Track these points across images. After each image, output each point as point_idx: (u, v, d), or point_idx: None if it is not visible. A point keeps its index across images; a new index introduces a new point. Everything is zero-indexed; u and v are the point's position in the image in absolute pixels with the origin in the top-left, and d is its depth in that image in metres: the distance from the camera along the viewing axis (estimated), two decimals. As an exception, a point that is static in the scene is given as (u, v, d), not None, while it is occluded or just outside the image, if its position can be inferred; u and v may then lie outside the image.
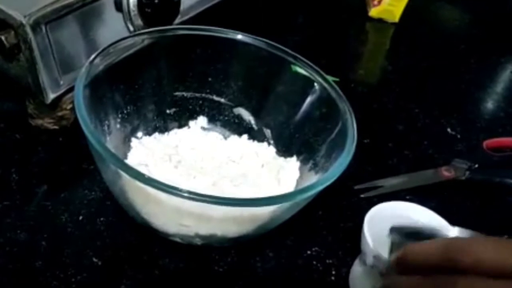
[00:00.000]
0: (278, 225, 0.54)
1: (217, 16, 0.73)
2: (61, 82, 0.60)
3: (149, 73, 0.61)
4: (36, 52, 0.56)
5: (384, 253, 0.49)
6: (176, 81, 0.64)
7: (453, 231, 0.50)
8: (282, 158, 0.63)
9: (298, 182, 0.60)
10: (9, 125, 0.66)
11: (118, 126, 0.60)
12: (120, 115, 0.60)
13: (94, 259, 0.54)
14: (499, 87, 0.93)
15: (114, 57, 0.57)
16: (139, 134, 0.63)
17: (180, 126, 0.66)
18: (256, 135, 0.66)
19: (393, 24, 1.04)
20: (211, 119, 0.67)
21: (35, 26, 0.54)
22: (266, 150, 0.64)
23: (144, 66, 0.60)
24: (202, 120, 0.66)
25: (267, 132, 0.66)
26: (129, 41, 0.58)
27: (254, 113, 0.66)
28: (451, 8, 1.14)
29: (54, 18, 0.56)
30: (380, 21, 1.03)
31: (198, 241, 0.53)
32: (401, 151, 0.74)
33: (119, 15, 0.63)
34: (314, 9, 1.04)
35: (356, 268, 0.55)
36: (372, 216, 0.52)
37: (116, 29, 0.63)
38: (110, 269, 0.54)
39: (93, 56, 0.54)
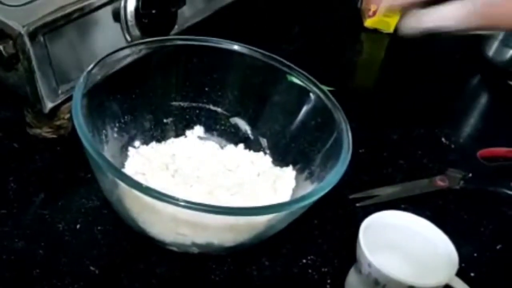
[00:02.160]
0: (274, 233, 0.55)
1: (214, 26, 0.74)
2: (59, 92, 0.60)
3: (146, 83, 0.62)
4: (34, 62, 0.56)
5: (379, 262, 0.49)
6: (173, 91, 0.65)
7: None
8: (278, 168, 0.64)
9: (294, 191, 0.60)
10: (7, 134, 0.66)
11: (115, 135, 0.60)
12: (117, 125, 0.60)
13: (91, 268, 0.54)
14: (493, 97, 0.93)
15: (111, 67, 0.57)
16: (136, 143, 0.63)
17: (177, 135, 0.66)
18: (252, 145, 0.66)
19: (388, 34, 1.04)
20: (208, 129, 0.67)
21: (33, 36, 0.55)
22: (262, 160, 0.64)
23: (141, 76, 0.61)
24: (198, 130, 0.67)
25: (263, 141, 0.66)
26: (127, 51, 0.59)
27: (250, 123, 0.66)
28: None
29: (52, 28, 0.56)
30: (375, 31, 1.04)
31: (195, 250, 0.54)
32: (395, 161, 0.74)
33: (117, 25, 0.64)
34: (309, 19, 1.05)
35: (352, 277, 0.55)
36: (368, 225, 0.52)
37: (113, 39, 0.64)
38: (107, 277, 0.54)
39: (91, 66, 0.54)
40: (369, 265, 0.49)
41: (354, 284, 0.54)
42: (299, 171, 0.61)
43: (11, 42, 0.55)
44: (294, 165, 0.62)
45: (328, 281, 0.57)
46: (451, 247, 0.52)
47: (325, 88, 0.60)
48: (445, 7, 0.45)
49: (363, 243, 0.50)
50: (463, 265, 0.52)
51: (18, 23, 0.54)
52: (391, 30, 1.04)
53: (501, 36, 0.96)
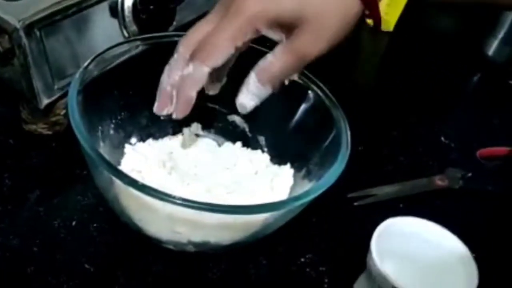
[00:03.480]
0: (271, 232, 0.54)
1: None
2: (55, 87, 0.60)
3: (143, 79, 0.61)
4: (30, 57, 0.56)
5: (392, 272, 0.48)
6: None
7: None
8: (276, 166, 0.63)
9: (291, 189, 0.60)
10: (2, 130, 0.66)
11: (111, 132, 0.60)
12: (114, 121, 0.60)
13: (87, 266, 0.54)
14: (493, 96, 0.93)
15: (108, 63, 0.57)
16: (133, 140, 0.63)
17: (174, 132, 0.66)
18: (250, 142, 0.66)
19: (388, 32, 1.04)
20: (205, 126, 0.67)
21: (29, 31, 0.54)
22: (260, 158, 0.64)
23: (138, 72, 0.60)
24: (196, 127, 0.66)
25: (261, 139, 0.66)
26: (124, 47, 0.59)
27: (248, 121, 0.66)
28: (446, 16, 1.14)
29: (48, 23, 0.56)
30: (375, 29, 1.04)
31: (191, 248, 0.53)
32: (394, 160, 0.74)
33: (114, 21, 0.63)
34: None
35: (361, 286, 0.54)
36: (381, 232, 0.51)
37: (110, 35, 0.63)
38: (102, 275, 0.54)
39: (87, 62, 0.54)
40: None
41: (361, 279, 0.54)
42: (297, 169, 0.61)
43: (7, 36, 0.55)
44: (292, 163, 0.62)
45: (326, 280, 0.57)
46: (471, 262, 0.51)
47: None
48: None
49: (375, 252, 0.49)
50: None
51: (14, 18, 0.54)
52: (390, 28, 1.03)
53: (501, 35, 0.95)
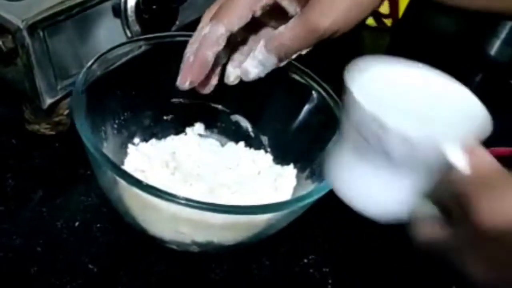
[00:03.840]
0: (274, 232, 0.54)
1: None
2: (58, 87, 0.60)
3: (146, 79, 0.61)
4: (33, 57, 0.55)
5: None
6: (173, 88, 0.64)
7: None
8: (279, 166, 0.63)
9: (295, 190, 0.60)
10: (5, 130, 0.65)
11: (115, 132, 0.60)
12: (117, 121, 0.60)
13: (90, 266, 0.54)
14: (495, 96, 0.93)
15: (111, 63, 0.57)
16: (136, 140, 0.63)
17: (177, 132, 0.66)
18: (253, 143, 0.66)
19: (389, 32, 1.04)
20: (208, 126, 0.67)
21: (33, 31, 0.54)
22: (263, 158, 0.64)
23: (141, 72, 0.60)
24: (199, 127, 0.66)
25: (264, 139, 0.65)
26: (127, 47, 0.58)
27: (252, 120, 0.66)
28: (448, 16, 1.14)
29: (51, 23, 0.56)
30: (376, 29, 1.04)
31: (195, 249, 0.53)
32: (397, 160, 0.74)
33: (117, 21, 0.63)
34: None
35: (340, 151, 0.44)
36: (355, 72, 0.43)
37: (113, 35, 0.63)
38: (105, 276, 0.53)
39: (90, 62, 0.54)
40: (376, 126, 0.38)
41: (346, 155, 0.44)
42: (300, 170, 0.61)
43: (10, 36, 0.55)
44: (295, 163, 0.61)
45: (329, 281, 0.57)
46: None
47: None
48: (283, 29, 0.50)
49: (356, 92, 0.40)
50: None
51: (17, 18, 0.53)
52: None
53: (503, 35, 0.95)
